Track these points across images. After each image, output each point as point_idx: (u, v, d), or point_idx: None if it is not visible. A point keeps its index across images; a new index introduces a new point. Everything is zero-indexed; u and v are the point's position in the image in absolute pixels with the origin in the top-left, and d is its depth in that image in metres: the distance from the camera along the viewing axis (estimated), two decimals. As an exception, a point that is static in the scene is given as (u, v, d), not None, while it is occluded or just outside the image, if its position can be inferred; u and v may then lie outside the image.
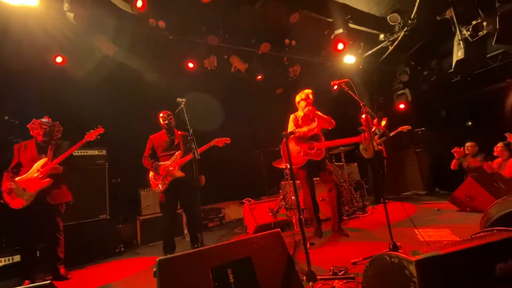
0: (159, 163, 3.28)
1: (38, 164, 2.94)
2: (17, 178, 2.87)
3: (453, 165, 4.65)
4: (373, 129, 5.07)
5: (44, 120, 3.12)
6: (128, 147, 4.29)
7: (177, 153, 3.31)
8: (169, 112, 3.41)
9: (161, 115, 3.45)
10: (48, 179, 2.91)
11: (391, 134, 5.07)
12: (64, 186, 3.11)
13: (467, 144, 4.58)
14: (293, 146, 3.35)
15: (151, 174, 3.36)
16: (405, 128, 4.96)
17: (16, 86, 3.83)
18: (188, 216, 3.47)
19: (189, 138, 2.65)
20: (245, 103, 6.18)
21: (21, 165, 2.98)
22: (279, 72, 6.05)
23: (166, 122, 3.40)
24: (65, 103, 4.19)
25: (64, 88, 4.21)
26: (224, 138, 3.52)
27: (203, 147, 3.40)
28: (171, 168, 3.25)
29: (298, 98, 3.51)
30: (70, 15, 3.64)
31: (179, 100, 2.76)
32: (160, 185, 3.25)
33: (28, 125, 3.06)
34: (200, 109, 5.01)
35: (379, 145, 4.99)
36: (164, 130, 3.47)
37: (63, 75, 4.23)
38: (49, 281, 1.29)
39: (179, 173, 3.25)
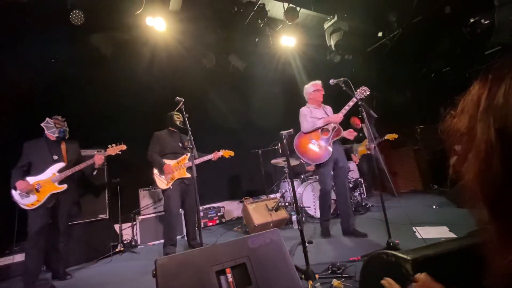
0: (166, 161, 3.34)
1: (54, 167, 2.92)
2: (29, 178, 2.80)
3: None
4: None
5: (58, 118, 3.06)
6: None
7: (186, 155, 3.42)
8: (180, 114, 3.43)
9: (176, 115, 3.48)
10: (64, 185, 2.93)
11: (379, 141, 4.92)
12: (74, 186, 3.13)
13: None
14: (306, 142, 3.16)
15: (155, 171, 3.38)
16: (391, 136, 4.88)
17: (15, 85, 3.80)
18: (188, 215, 3.48)
19: (188, 138, 2.65)
20: (244, 101, 6.17)
21: (32, 164, 2.91)
22: (277, 70, 6.04)
23: (179, 123, 3.46)
24: (63, 103, 4.17)
25: (62, 88, 4.18)
26: (229, 151, 3.67)
27: (209, 157, 3.51)
28: (177, 168, 3.35)
29: (308, 89, 3.34)
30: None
31: (178, 99, 2.74)
32: (165, 183, 3.31)
33: (42, 124, 2.99)
34: (199, 108, 5.00)
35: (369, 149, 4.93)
36: (170, 130, 3.54)
37: (62, 74, 4.21)
38: None
39: (185, 174, 3.37)
